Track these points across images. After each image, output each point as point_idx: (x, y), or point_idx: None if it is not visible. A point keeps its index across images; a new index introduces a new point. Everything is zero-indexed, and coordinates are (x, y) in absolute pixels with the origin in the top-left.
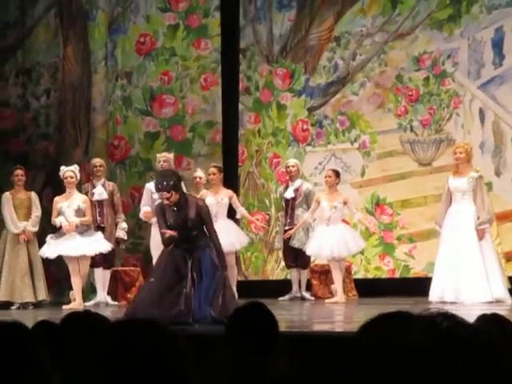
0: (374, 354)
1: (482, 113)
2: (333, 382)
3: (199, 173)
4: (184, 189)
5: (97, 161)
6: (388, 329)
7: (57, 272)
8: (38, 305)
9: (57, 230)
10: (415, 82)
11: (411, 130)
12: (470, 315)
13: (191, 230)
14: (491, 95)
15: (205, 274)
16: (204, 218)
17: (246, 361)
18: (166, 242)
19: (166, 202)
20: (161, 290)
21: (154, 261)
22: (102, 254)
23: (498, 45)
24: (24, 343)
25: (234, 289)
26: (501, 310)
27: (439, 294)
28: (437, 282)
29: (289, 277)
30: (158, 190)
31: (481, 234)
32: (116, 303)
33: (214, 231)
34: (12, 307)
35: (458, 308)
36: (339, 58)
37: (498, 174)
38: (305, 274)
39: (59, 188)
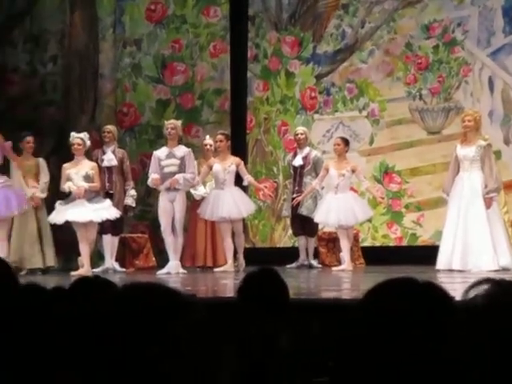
0: (377, 321)
1: (491, 81)
2: (339, 350)
3: (208, 140)
4: None
5: (105, 127)
6: (392, 295)
7: (65, 238)
8: (46, 271)
9: (65, 197)
10: (425, 50)
11: (420, 98)
12: None
13: None
14: (501, 63)
15: None
16: None
17: (256, 330)
18: None
19: None
20: None
21: (162, 227)
22: (110, 221)
23: (508, 13)
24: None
25: (241, 256)
26: (507, 279)
27: (446, 263)
28: (444, 251)
29: (296, 244)
30: None
31: (488, 203)
32: (123, 270)
33: None
34: (20, 273)
35: (465, 276)
36: (347, 25)
37: (506, 142)
38: (312, 242)
39: (66, 155)
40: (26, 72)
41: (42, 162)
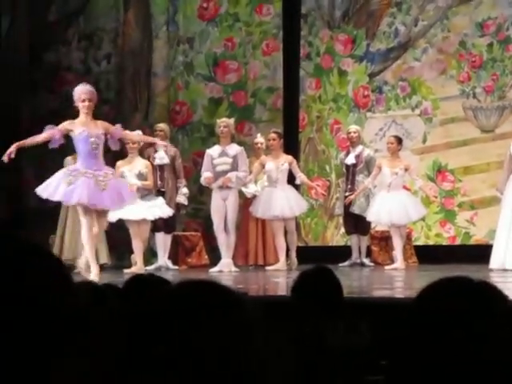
0: (433, 320)
1: None
2: (392, 349)
3: (259, 138)
4: None
5: (157, 125)
6: (448, 294)
7: (118, 236)
8: (99, 268)
9: None
10: (479, 48)
11: (474, 96)
12: None
13: None
14: None
15: None
16: None
17: (311, 328)
18: None
19: None
20: None
21: (215, 226)
22: (163, 219)
23: None
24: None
25: (294, 254)
26: None
27: (500, 262)
28: (498, 250)
29: (349, 243)
30: None
31: None
32: (176, 267)
33: None
34: (74, 271)
35: None
36: (400, 23)
37: None
38: (365, 241)
39: (120, 153)
40: (80, 71)
41: None
